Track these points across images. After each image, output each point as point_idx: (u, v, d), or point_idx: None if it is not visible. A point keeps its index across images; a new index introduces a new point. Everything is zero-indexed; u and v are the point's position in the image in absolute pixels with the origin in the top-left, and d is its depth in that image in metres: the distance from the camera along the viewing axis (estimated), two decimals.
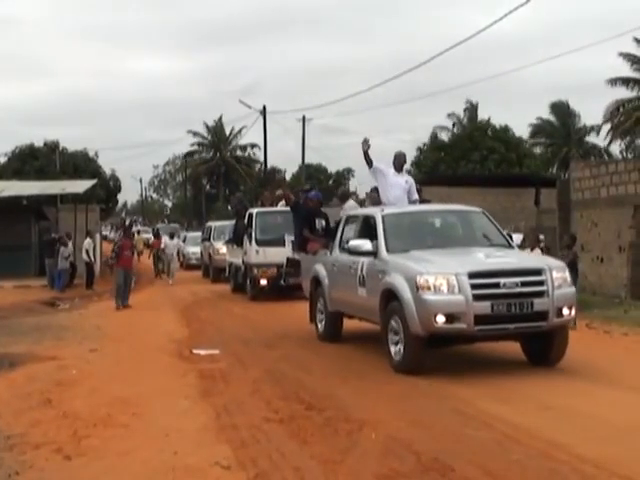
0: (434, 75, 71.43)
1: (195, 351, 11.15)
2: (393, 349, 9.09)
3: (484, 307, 8.51)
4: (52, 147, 52.04)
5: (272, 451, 6.04)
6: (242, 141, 69.57)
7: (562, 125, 48.56)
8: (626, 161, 21.46)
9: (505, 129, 44.76)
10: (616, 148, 44.59)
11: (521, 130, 48.98)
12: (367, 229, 10.39)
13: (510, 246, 10.13)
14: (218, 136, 69.44)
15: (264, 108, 40.48)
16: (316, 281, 11.81)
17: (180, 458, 5.87)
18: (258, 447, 6.17)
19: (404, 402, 7.73)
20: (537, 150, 49.28)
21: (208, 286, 25.19)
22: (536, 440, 6.19)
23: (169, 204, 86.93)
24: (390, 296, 9.13)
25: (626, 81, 36.95)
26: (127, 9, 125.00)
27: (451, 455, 5.77)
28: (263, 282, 18.47)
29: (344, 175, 71.79)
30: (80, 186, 29.16)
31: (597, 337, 12.28)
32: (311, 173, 59.49)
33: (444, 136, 47.97)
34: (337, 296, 11.10)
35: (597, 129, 46.06)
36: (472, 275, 8.57)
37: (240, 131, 66.16)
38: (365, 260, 9.90)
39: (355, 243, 10.08)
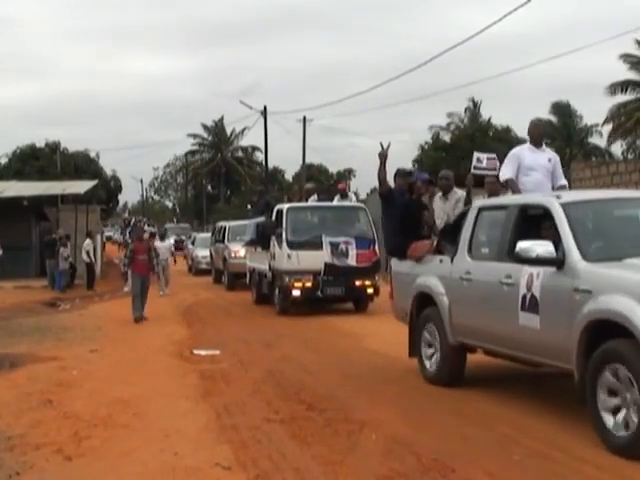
0: (435, 75, 71.51)
1: (196, 352, 11.16)
2: (612, 421, 5.82)
3: None
4: (53, 148, 52.06)
5: (273, 452, 6.04)
6: (243, 142, 69.76)
7: (563, 125, 48.53)
8: (627, 162, 21.46)
9: (507, 129, 44.77)
10: (617, 149, 44.61)
11: (522, 131, 48.99)
12: (527, 226, 7.21)
13: None
14: (219, 137, 69.51)
15: (265, 109, 40.50)
16: (423, 300, 8.59)
17: (180, 459, 5.87)
18: (259, 448, 6.17)
19: (404, 403, 7.73)
20: None
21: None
22: (537, 441, 6.19)
23: (169, 205, 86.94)
24: (606, 332, 5.87)
25: (626, 83, 36.91)
26: (128, 9, 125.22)
27: (451, 456, 5.77)
28: (296, 293, 15.43)
29: (345, 175, 71.80)
30: (81, 187, 29.16)
31: None
32: (313, 173, 59.46)
33: (445, 137, 47.99)
34: (467, 323, 7.85)
35: (596, 129, 46.09)
36: None
37: (242, 131, 66.34)
38: (537, 272, 6.62)
39: (525, 246, 6.58)
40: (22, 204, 27.15)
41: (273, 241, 16.04)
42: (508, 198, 8.33)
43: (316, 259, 15.14)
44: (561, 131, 48.47)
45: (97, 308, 18.92)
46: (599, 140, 46.80)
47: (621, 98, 37.53)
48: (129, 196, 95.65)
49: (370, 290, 15.69)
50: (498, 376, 8.91)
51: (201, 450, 6.12)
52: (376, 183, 16.36)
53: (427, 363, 8.61)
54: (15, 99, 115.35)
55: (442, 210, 9.40)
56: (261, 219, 17.84)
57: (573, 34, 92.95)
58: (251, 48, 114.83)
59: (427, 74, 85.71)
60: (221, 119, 69.01)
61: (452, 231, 8.39)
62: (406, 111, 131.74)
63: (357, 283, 15.48)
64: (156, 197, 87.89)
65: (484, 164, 9.27)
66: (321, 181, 45.87)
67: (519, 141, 44.73)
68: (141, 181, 79.90)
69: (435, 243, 8.71)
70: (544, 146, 8.98)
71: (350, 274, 15.35)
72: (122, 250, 48.07)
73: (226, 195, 69.01)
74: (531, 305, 6.68)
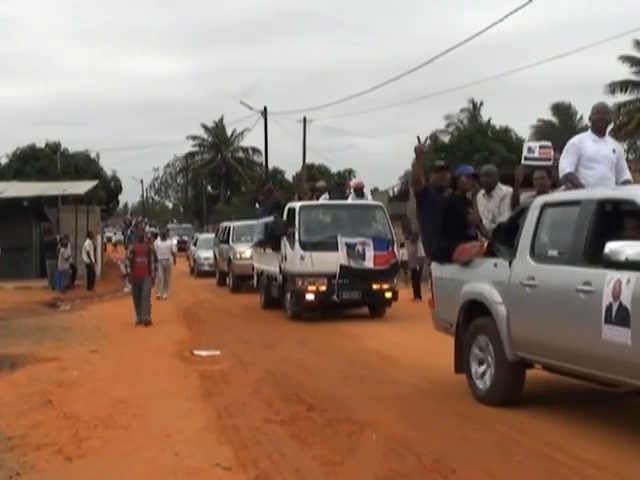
0: (435, 76, 71.51)
1: (196, 352, 11.16)
2: None
3: None
4: (53, 148, 52.07)
5: (273, 452, 6.04)
6: (243, 142, 69.78)
7: (563, 126, 48.53)
8: (628, 162, 21.31)
9: (506, 130, 44.77)
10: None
11: (522, 131, 49.05)
12: (606, 224, 6.38)
13: None
14: (219, 137, 69.52)
15: (265, 109, 40.50)
16: (473, 309, 7.63)
17: (181, 459, 5.87)
18: (259, 448, 6.17)
19: (405, 403, 7.74)
20: None
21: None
22: (537, 441, 6.19)
23: (170, 205, 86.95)
24: None
25: (625, 83, 36.90)
26: (128, 10, 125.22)
27: (452, 456, 5.77)
28: (309, 297, 14.49)
29: (345, 176, 71.81)
30: (81, 187, 29.15)
31: None
32: (313, 174, 59.45)
33: (445, 138, 48.00)
34: (529, 335, 6.87)
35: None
36: None
37: (243, 132, 66.39)
38: (627, 278, 5.72)
39: (615, 247, 5.73)
40: (22, 204, 27.15)
41: (284, 242, 15.16)
42: (580, 192, 7.17)
43: (331, 261, 14.31)
44: (561, 131, 48.46)
45: (97, 308, 18.91)
46: None
47: (621, 98, 37.54)
48: (129, 197, 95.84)
49: (388, 294, 14.86)
50: None
51: (201, 450, 6.12)
52: (376, 183, 16.20)
53: (478, 381, 7.56)
54: (15, 99, 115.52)
55: (486, 209, 8.55)
56: (270, 219, 16.79)
57: (573, 35, 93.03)
58: (251, 48, 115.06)
59: (427, 74, 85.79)
60: (221, 119, 69.10)
61: (507, 231, 7.42)
62: (406, 111, 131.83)
63: (374, 287, 14.65)
64: (156, 198, 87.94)
65: (536, 154, 8.16)
66: (312, 185, 45.76)
67: (519, 141, 44.92)
68: (141, 182, 79.95)
69: (486, 245, 7.84)
70: (607, 135, 7.85)
71: (367, 277, 14.53)
72: (116, 250, 48.09)
73: (226, 195, 69.01)
74: (619, 317, 5.75)
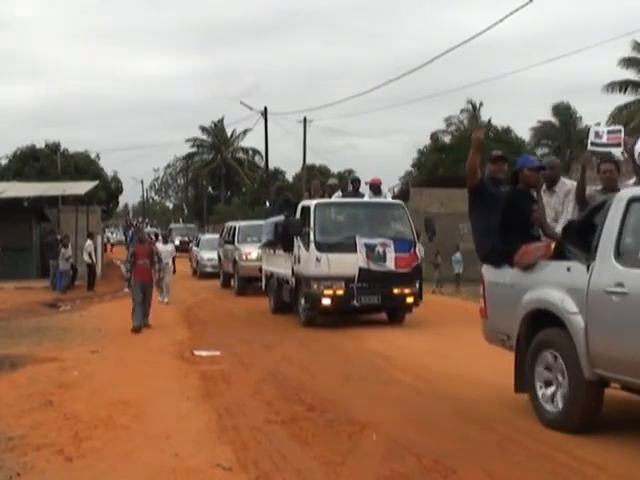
0: (435, 77, 71.55)
1: (196, 352, 11.16)
2: None
3: None
4: (53, 148, 52.11)
5: (273, 453, 6.04)
6: (244, 143, 69.81)
7: (564, 127, 48.53)
8: (628, 163, 21.33)
9: (507, 130, 44.78)
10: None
11: (523, 132, 49.12)
12: None
13: None
14: (219, 138, 69.55)
15: (265, 110, 40.51)
16: (538, 320, 6.69)
17: (181, 460, 5.87)
18: (259, 449, 6.17)
19: (405, 404, 7.74)
20: (540, 151, 49.31)
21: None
22: (537, 442, 6.19)
23: (170, 206, 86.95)
24: None
25: (625, 83, 36.89)
26: (128, 11, 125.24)
27: (452, 457, 5.78)
28: (325, 302, 13.52)
29: (346, 176, 71.81)
30: (81, 187, 29.14)
31: None
32: (314, 175, 59.44)
33: (445, 138, 48.04)
34: (615, 351, 5.93)
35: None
36: None
37: (244, 132, 66.42)
38: None
39: None
40: (22, 205, 27.14)
41: (298, 242, 14.21)
42: None
43: (349, 263, 13.35)
44: (562, 132, 48.49)
45: (98, 309, 18.90)
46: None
47: (621, 98, 37.53)
48: (129, 197, 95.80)
49: (410, 299, 13.89)
50: (498, 377, 8.91)
51: (202, 451, 6.12)
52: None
53: (546, 404, 6.60)
54: (16, 100, 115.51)
55: (547, 205, 7.76)
56: (280, 218, 15.86)
57: (573, 36, 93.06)
58: (252, 49, 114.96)
59: (427, 75, 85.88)
60: (221, 120, 69.12)
61: (580, 230, 6.52)
62: (406, 112, 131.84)
63: (395, 291, 13.69)
64: (157, 198, 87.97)
65: (604, 139, 7.55)
66: (322, 182, 45.74)
67: (519, 142, 44.95)
68: (142, 182, 79.94)
69: (553, 246, 6.87)
70: None
71: (388, 280, 13.55)
72: (111, 252, 48.00)
73: (226, 196, 69.04)
74: None
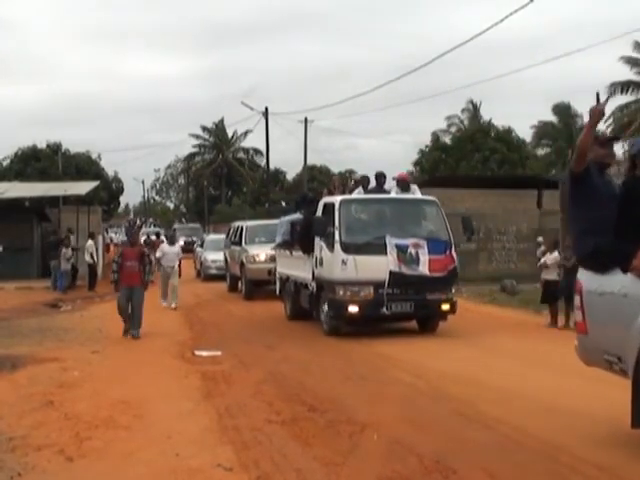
0: (436, 77, 71.55)
1: (197, 353, 11.17)
2: None
3: None
4: (54, 149, 52.18)
5: (274, 453, 6.04)
6: (245, 143, 69.86)
7: (564, 126, 48.53)
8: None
9: (508, 130, 44.81)
10: (619, 149, 44.67)
11: (523, 132, 49.13)
12: None
13: None
14: (220, 138, 69.60)
15: (266, 110, 40.53)
16: None
17: (182, 460, 5.87)
18: (260, 449, 6.17)
19: (406, 404, 7.74)
20: (541, 152, 49.35)
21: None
22: (538, 442, 6.19)
23: (171, 206, 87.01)
24: None
25: (627, 84, 36.88)
26: (129, 11, 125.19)
27: (453, 457, 5.77)
28: (352, 309, 12.21)
29: (347, 177, 71.82)
30: (82, 188, 29.17)
31: None
32: (315, 175, 59.47)
33: (446, 138, 48.10)
34: None
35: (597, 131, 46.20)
36: None
37: (245, 134, 66.51)
38: None
39: None
40: (24, 205, 27.18)
41: (320, 243, 12.94)
42: None
43: (378, 266, 12.08)
44: (562, 132, 48.49)
45: (98, 309, 18.88)
46: None
47: (621, 98, 37.54)
48: (130, 197, 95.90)
49: (445, 306, 12.64)
50: (499, 378, 8.92)
51: (203, 451, 6.12)
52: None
53: None
54: (17, 100, 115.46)
55: None
56: (296, 216, 14.85)
57: (573, 35, 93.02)
58: (253, 49, 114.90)
59: (428, 75, 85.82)
60: (222, 120, 69.20)
61: None
62: (406, 112, 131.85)
63: (429, 297, 12.45)
64: (157, 198, 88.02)
65: None
66: (324, 182, 45.79)
67: (519, 142, 44.94)
68: (142, 182, 79.98)
69: None
70: None
71: (421, 285, 12.37)
72: (113, 252, 47.89)
73: (227, 196, 69.08)
74: None
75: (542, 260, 14.79)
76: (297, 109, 62.36)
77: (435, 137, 48.02)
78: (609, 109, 38.15)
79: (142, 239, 41.43)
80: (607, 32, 74.50)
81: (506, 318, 15.55)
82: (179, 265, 19.52)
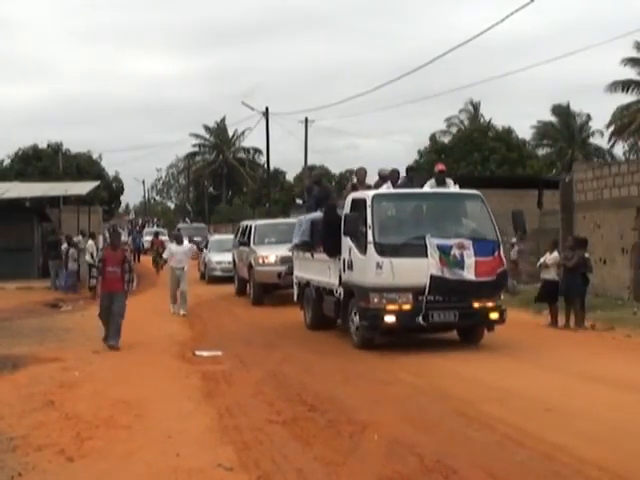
0: (436, 77, 71.46)
1: (198, 353, 11.17)
2: None
3: None
4: (55, 149, 52.23)
5: (275, 453, 6.05)
6: (245, 143, 69.86)
7: (564, 127, 48.55)
8: (629, 163, 21.53)
9: (508, 130, 44.81)
10: (619, 149, 44.69)
11: (523, 132, 49.11)
12: None
13: None
14: (221, 138, 69.61)
15: (266, 110, 40.56)
16: None
17: (183, 460, 5.88)
18: (261, 449, 6.17)
19: (406, 404, 7.74)
20: (541, 152, 49.36)
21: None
22: (538, 442, 6.19)
23: (172, 206, 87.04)
24: None
25: (628, 83, 36.89)
26: (130, 11, 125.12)
27: (453, 457, 5.78)
28: (389, 319, 10.73)
29: (347, 177, 71.83)
30: (83, 188, 29.20)
31: (599, 338, 12.28)
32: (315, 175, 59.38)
33: (445, 139, 48.09)
34: None
35: (597, 130, 46.47)
36: None
37: (243, 133, 66.53)
38: None
39: None
40: (24, 205, 27.17)
41: (349, 244, 11.50)
42: None
43: (417, 270, 10.69)
44: (562, 132, 48.50)
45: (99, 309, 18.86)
46: (600, 141, 46.93)
47: (622, 97, 37.55)
48: (131, 197, 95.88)
49: (494, 315, 11.13)
50: (499, 378, 8.92)
51: (203, 451, 6.13)
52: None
53: None
54: (18, 100, 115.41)
55: None
56: (317, 214, 13.46)
57: (574, 35, 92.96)
58: (253, 49, 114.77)
59: (429, 75, 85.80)
60: (223, 120, 69.21)
61: None
62: (406, 112, 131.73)
63: (476, 305, 11.03)
64: (158, 198, 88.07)
65: None
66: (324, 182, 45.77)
67: (519, 142, 44.91)
68: (143, 182, 79.99)
69: None
70: None
71: (467, 292, 10.96)
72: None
73: (227, 196, 69.09)
74: None
75: (542, 260, 14.80)
76: (297, 109, 62.29)
77: (433, 139, 48.03)
78: (609, 109, 38.23)
79: (146, 239, 41.67)
80: (607, 32, 74.54)
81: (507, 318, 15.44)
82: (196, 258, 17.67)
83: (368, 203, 11.26)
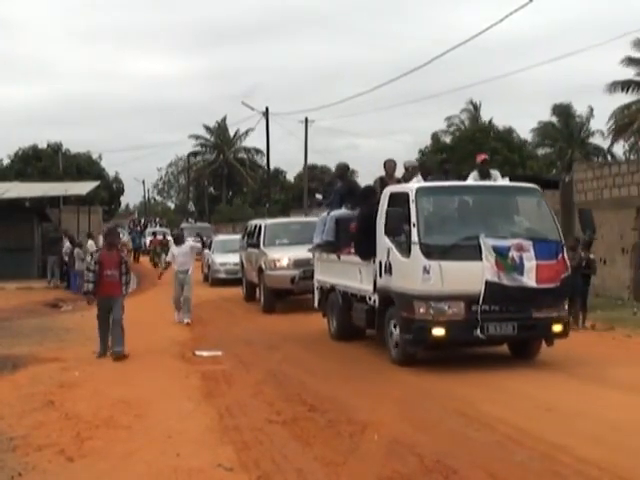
0: (437, 77, 71.52)
1: (198, 353, 11.17)
2: None
3: None
4: (55, 149, 52.26)
5: (275, 453, 6.05)
6: (245, 143, 69.85)
7: (565, 127, 48.55)
8: (629, 163, 21.54)
9: (509, 131, 44.83)
10: (619, 149, 44.71)
11: (524, 132, 49.13)
12: None
13: None
14: (221, 138, 69.62)
15: (267, 110, 40.57)
16: None
17: (183, 460, 5.88)
18: (261, 449, 6.17)
19: (406, 404, 7.74)
20: (541, 152, 49.37)
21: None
22: (539, 442, 6.19)
23: (172, 206, 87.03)
24: None
25: (627, 83, 36.87)
26: (130, 11, 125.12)
27: (454, 457, 5.78)
28: (438, 332, 9.25)
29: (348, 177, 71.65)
30: (83, 188, 29.23)
31: (600, 339, 12.28)
32: (316, 174, 59.46)
33: (446, 139, 48.11)
34: None
35: (597, 130, 46.52)
36: None
37: (246, 132, 66.55)
38: None
39: None
40: (24, 205, 27.21)
41: (387, 245, 10.07)
42: None
43: (470, 275, 9.27)
44: (563, 132, 48.50)
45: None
46: (600, 141, 46.96)
47: (622, 97, 37.53)
48: (131, 198, 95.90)
49: (557, 327, 9.70)
50: (500, 378, 8.91)
51: (203, 451, 6.13)
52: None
53: None
54: (17, 100, 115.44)
55: None
56: (343, 211, 12.25)
57: (574, 35, 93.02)
58: (253, 49, 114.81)
59: (429, 75, 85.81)
60: (224, 120, 69.20)
61: None
62: (407, 112, 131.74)
63: (536, 315, 9.57)
64: (158, 198, 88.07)
65: None
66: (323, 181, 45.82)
67: (520, 142, 44.93)
68: (143, 182, 79.99)
69: None
70: None
71: (527, 300, 9.49)
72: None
73: (228, 196, 69.09)
74: None
75: None
76: (297, 109, 62.21)
77: (435, 138, 48.04)
78: (610, 109, 38.21)
79: (148, 239, 41.52)
80: (607, 32, 74.52)
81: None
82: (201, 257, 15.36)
83: (412, 197, 9.77)
